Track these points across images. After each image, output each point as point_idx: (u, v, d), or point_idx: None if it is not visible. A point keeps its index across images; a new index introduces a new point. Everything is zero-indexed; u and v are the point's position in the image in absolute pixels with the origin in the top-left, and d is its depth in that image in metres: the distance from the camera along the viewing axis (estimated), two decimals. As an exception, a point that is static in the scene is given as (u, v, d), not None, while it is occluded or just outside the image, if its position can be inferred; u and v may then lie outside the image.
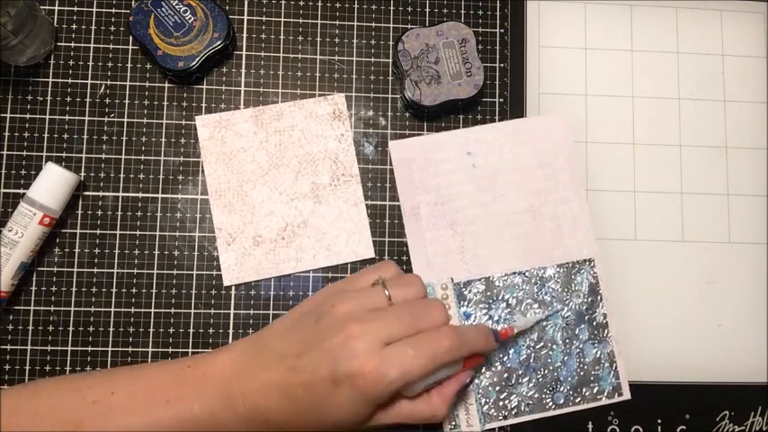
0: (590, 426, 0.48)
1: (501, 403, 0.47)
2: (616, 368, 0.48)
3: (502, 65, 0.51)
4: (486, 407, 0.47)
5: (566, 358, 0.48)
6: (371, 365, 0.36)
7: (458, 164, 0.49)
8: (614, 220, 0.50)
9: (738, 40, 0.53)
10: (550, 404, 0.47)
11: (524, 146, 0.50)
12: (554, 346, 0.48)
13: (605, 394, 0.48)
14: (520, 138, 0.50)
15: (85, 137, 0.48)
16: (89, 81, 0.49)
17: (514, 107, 0.51)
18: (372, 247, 0.49)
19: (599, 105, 0.52)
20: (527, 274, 0.49)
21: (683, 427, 0.49)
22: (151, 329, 0.47)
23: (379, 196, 0.49)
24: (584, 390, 0.48)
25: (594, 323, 0.48)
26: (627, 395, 0.48)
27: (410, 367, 0.36)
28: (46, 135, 0.48)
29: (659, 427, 0.49)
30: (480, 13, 0.52)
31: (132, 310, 0.47)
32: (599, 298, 0.49)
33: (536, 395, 0.47)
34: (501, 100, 0.51)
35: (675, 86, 0.52)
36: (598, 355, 0.48)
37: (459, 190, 0.49)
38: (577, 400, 0.48)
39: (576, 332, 0.48)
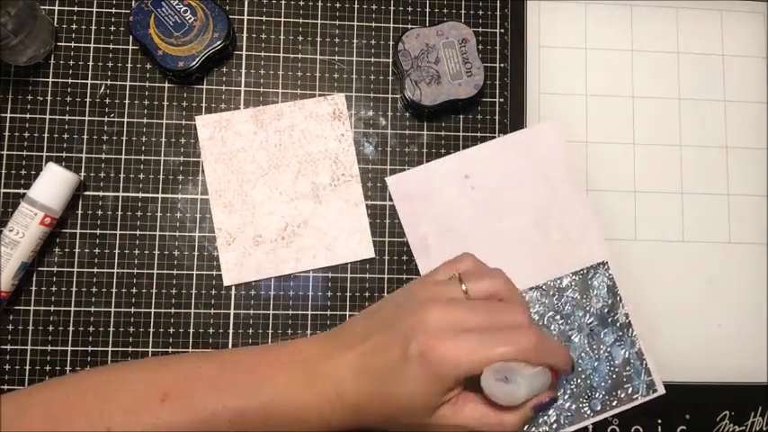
0: (590, 426, 0.48)
1: (540, 420, 0.47)
2: (646, 365, 0.48)
3: (502, 65, 0.51)
4: (526, 426, 0.47)
5: (596, 364, 0.48)
6: (442, 345, 0.35)
7: (457, 189, 0.49)
8: (614, 220, 0.50)
9: (738, 40, 0.53)
10: (588, 412, 0.47)
11: (520, 160, 0.49)
12: (583, 354, 0.48)
13: (640, 393, 0.48)
14: (514, 152, 0.49)
15: (85, 137, 0.48)
16: (89, 81, 0.49)
17: (514, 107, 0.51)
18: (372, 247, 0.49)
19: (599, 105, 0.51)
20: (544, 287, 0.48)
21: (683, 427, 0.49)
22: (151, 329, 0.47)
23: (379, 196, 0.49)
24: (619, 392, 0.47)
25: (618, 324, 0.48)
26: (661, 390, 0.48)
27: (480, 355, 0.35)
28: (46, 135, 0.48)
29: (659, 427, 0.49)
30: (480, 13, 0.52)
31: (132, 310, 0.47)
32: (618, 299, 0.49)
33: (573, 406, 0.47)
34: (501, 100, 0.51)
35: (675, 86, 0.52)
36: (627, 356, 0.48)
37: (462, 215, 0.49)
38: (614, 404, 0.47)
39: (602, 336, 0.48)
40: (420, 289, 0.40)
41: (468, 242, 0.48)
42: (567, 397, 0.47)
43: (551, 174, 0.49)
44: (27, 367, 0.46)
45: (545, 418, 0.47)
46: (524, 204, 0.49)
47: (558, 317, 0.48)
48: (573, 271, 0.49)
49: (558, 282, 0.49)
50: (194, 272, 0.48)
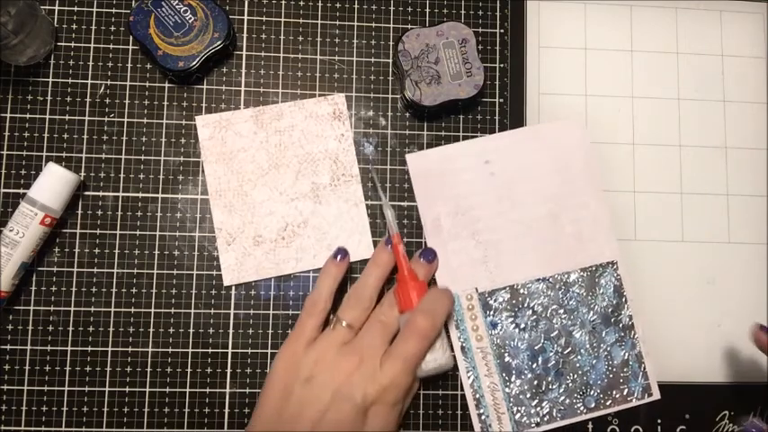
0: (590, 426, 0.48)
1: (533, 410, 0.47)
2: (644, 369, 0.48)
3: (502, 65, 0.51)
4: (519, 415, 0.47)
5: (594, 362, 0.48)
6: (384, 380, 0.40)
7: (476, 173, 0.49)
8: (614, 220, 0.50)
9: (738, 40, 0.53)
10: (582, 408, 0.47)
11: (541, 152, 0.49)
12: (582, 351, 0.48)
13: (635, 396, 0.48)
14: (536, 144, 0.50)
15: (85, 137, 0.48)
16: (89, 81, 0.49)
17: (514, 107, 0.51)
18: (372, 247, 0.49)
19: (599, 105, 0.52)
20: (551, 279, 0.48)
21: (683, 427, 0.49)
22: (151, 329, 0.47)
23: (379, 196, 0.49)
24: (614, 392, 0.48)
25: (621, 325, 0.48)
26: (657, 395, 0.48)
27: (412, 362, 0.42)
28: (46, 135, 0.48)
29: (659, 427, 0.49)
30: (480, 13, 0.52)
31: (132, 310, 0.47)
32: (623, 300, 0.49)
33: (567, 401, 0.47)
34: (501, 100, 0.51)
35: (675, 86, 0.52)
36: (626, 357, 0.48)
37: (478, 199, 0.49)
38: (608, 403, 0.48)
39: (603, 335, 0.48)
40: (315, 361, 0.43)
41: (480, 227, 0.48)
42: (561, 391, 0.47)
43: (571, 169, 0.49)
44: (27, 367, 0.46)
45: (537, 409, 0.47)
46: (540, 196, 0.49)
47: (561, 311, 0.48)
48: (581, 267, 0.49)
49: (566, 276, 0.49)
50: (194, 272, 0.48)
